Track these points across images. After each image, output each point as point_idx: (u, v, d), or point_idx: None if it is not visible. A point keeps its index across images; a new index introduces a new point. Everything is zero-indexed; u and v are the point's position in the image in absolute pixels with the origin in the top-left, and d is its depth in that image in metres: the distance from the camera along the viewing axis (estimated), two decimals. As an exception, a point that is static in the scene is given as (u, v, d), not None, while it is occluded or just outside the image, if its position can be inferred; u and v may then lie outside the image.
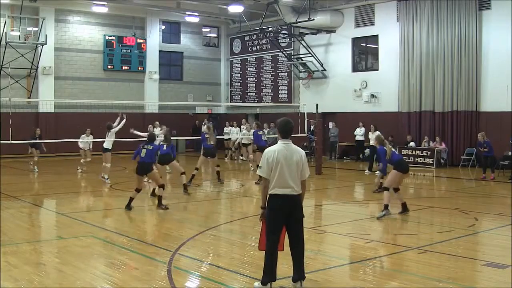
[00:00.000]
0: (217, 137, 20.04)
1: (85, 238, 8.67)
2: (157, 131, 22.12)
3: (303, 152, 6.14)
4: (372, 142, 19.25)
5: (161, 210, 11.17)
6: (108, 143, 15.83)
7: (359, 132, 22.59)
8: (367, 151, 21.82)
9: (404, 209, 10.59)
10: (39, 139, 18.78)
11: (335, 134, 24.32)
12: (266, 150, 6.11)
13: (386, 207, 10.33)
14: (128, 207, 11.19)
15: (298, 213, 6.00)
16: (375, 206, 12.69)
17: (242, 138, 22.97)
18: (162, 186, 11.43)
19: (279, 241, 5.95)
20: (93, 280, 6.45)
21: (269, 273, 5.89)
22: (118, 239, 8.65)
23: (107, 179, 15.72)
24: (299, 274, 5.95)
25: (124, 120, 16.00)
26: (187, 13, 28.27)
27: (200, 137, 16.29)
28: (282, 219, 5.93)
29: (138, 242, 8.47)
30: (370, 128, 19.92)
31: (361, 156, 23.31)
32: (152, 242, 8.66)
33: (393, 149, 10.94)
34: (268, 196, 5.97)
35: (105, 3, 25.78)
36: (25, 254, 7.63)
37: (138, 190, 11.36)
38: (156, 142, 12.28)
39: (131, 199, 11.26)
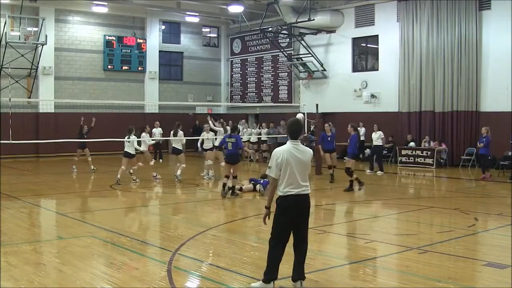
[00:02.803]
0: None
1: (85, 238, 8.66)
2: (157, 131, 22.25)
3: (311, 152, 6.05)
4: (374, 142, 19.32)
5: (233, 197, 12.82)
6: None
7: (359, 132, 22.54)
8: (368, 151, 21.86)
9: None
10: (86, 136, 18.50)
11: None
12: (274, 151, 6.00)
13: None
14: (225, 192, 12.78)
15: (308, 213, 5.94)
16: (375, 206, 12.71)
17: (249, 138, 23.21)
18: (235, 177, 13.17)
19: (286, 244, 5.85)
20: (93, 280, 6.44)
21: (274, 271, 5.80)
22: (118, 239, 8.64)
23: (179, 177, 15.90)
24: (299, 274, 5.90)
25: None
26: (187, 13, 28.26)
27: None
28: (293, 221, 5.82)
29: (138, 242, 8.46)
30: (374, 128, 19.86)
31: (361, 156, 23.26)
32: (152, 242, 8.67)
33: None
34: (278, 197, 5.84)
35: (105, 3, 25.77)
36: (25, 254, 7.62)
37: (227, 177, 12.90)
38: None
39: (225, 185, 12.80)
